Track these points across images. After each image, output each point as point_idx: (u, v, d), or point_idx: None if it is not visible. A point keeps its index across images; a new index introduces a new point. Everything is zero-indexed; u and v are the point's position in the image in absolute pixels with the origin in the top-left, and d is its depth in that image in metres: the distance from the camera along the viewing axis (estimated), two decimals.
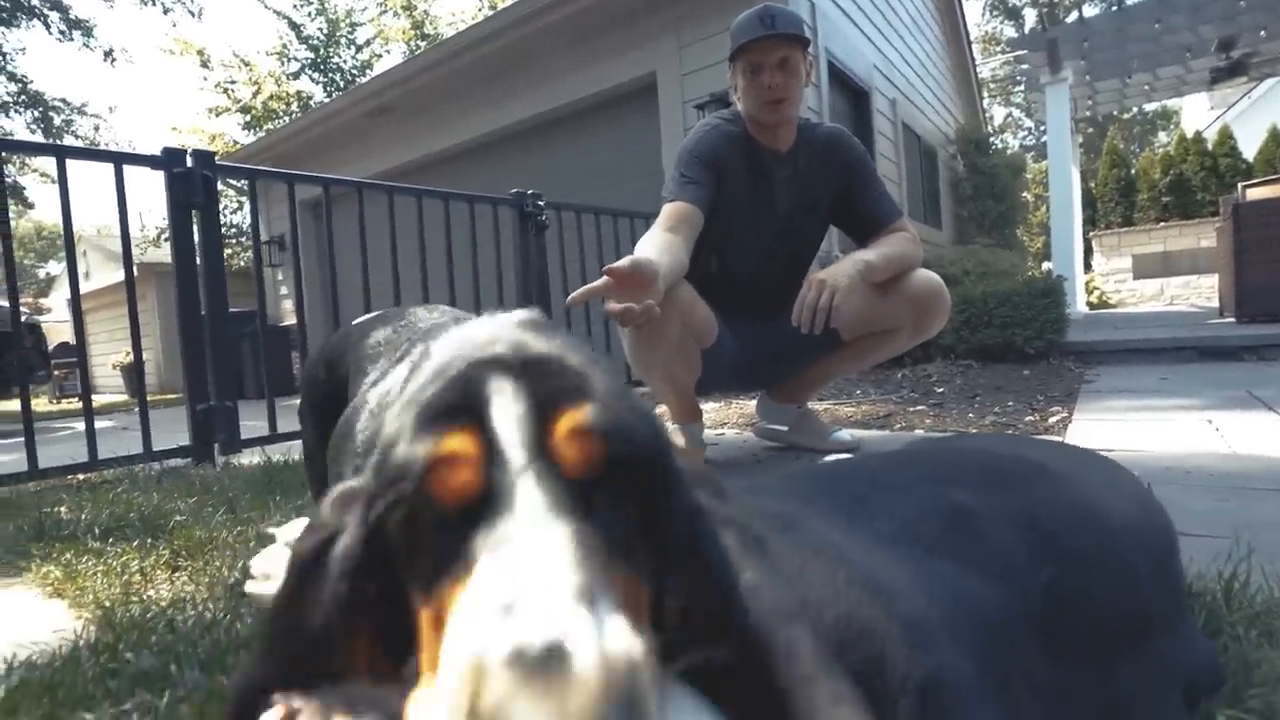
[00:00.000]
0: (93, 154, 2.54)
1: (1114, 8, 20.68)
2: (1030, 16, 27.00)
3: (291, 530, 1.34)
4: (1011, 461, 0.70)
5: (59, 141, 13.97)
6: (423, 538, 0.36)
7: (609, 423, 0.36)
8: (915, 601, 0.46)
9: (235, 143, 14.40)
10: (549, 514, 0.33)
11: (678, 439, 2.17)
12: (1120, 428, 2.42)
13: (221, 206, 14.84)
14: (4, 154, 2.45)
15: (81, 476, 2.46)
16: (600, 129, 6.17)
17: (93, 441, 2.49)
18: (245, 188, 11.30)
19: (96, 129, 16.24)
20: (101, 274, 15.48)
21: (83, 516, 1.78)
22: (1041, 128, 15.52)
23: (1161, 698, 0.58)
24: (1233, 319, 5.47)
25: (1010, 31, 26.66)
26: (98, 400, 11.39)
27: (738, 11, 2.04)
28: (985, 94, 13.60)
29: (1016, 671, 0.48)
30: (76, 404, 11.19)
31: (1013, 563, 0.53)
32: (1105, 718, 0.53)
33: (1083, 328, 6.12)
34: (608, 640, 0.28)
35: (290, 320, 8.86)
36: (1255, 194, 5.64)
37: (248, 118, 15.62)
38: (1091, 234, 12.36)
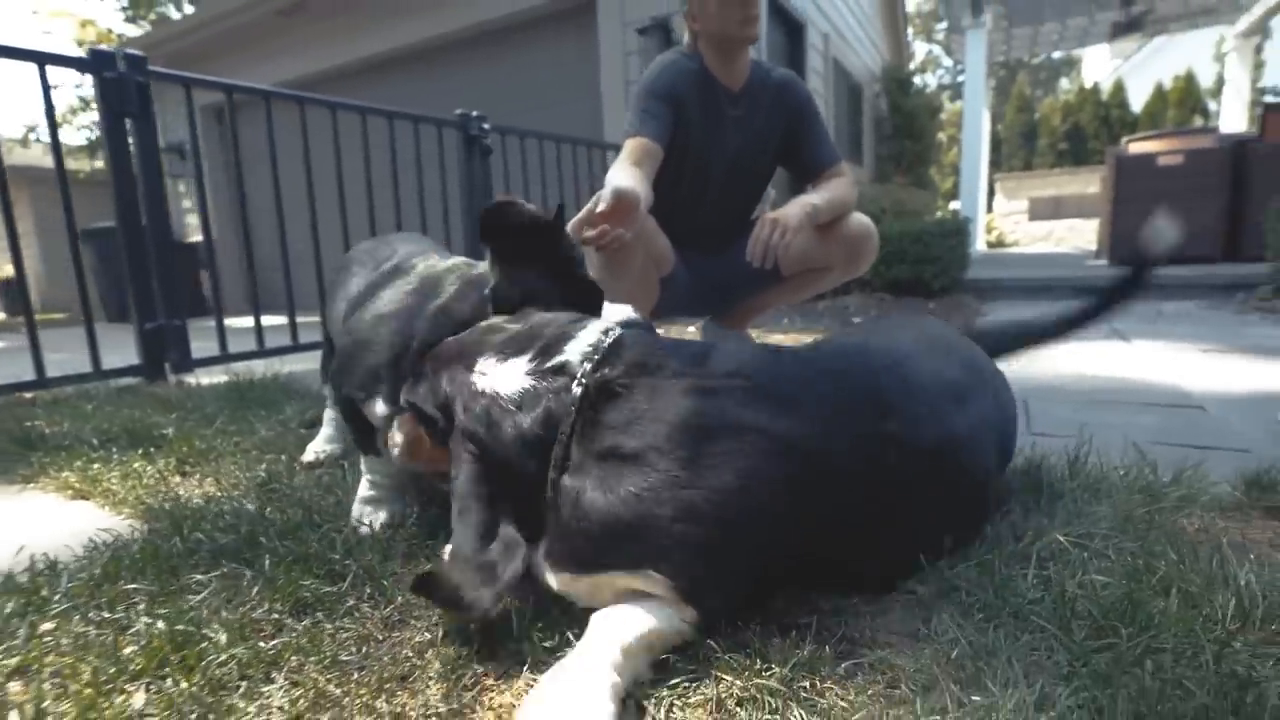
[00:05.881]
0: (12, 52, 2.35)
1: None
2: None
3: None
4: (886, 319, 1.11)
5: None
6: None
7: None
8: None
9: (112, 33, 12.87)
10: None
11: None
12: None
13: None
14: None
15: (29, 394, 2.42)
16: (538, 48, 6.01)
17: (39, 359, 2.44)
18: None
19: None
20: None
21: (64, 429, 1.82)
22: (959, 67, 16.08)
23: (982, 436, 0.96)
24: (1105, 261, 6.16)
25: None
26: None
27: None
28: (910, 29, 13.88)
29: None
30: None
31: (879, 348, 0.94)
32: (947, 443, 0.88)
33: (981, 265, 6.71)
34: None
35: (195, 237, 8.31)
36: (1135, 148, 6.25)
37: (125, 1, 13.90)
38: (995, 175, 13.18)
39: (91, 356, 2.59)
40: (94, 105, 13.05)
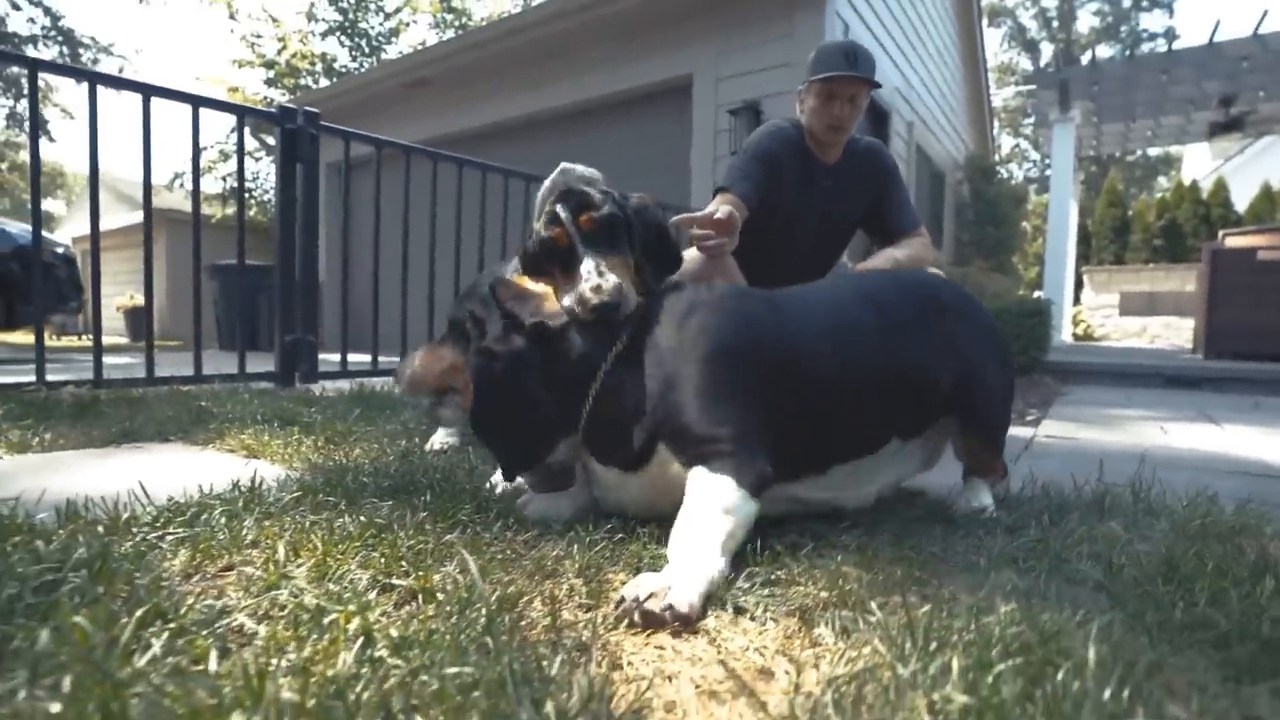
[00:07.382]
0: (220, 105, 2.87)
1: (1127, 52, 21.18)
2: (1046, 50, 27.61)
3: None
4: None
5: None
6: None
7: (599, 214, 1.27)
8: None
9: (263, 97, 14.61)
10: (585, 250, 1.25)
11: None
12: (1085, 425, 2.85)
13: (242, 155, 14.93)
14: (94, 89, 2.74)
15: (184, 388, 2.81)
16: (634, 123, 6.53)
17: (199, 359, 2.84)
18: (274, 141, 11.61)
19: (120, 70, 16.39)
20: (111, 215, 15.62)
21: (228, 409, 2.14)
22: (1046, 161, 16.04)
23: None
24: (1201, 355, 5.95)
25: (1026, 64, 27.26)
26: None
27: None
28: (996, 123, 14.06)
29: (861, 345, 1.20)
30: (77, 340, 11.51)
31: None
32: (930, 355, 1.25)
33: (1064, 353, 6.58)
34: (609, 282, 1.19)
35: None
36: (1233, 242, 6.12)
37: (270, 73, 15.79)
38: (1084, 268, 12.87)
39: (239, 362, 2.99)
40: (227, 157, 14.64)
